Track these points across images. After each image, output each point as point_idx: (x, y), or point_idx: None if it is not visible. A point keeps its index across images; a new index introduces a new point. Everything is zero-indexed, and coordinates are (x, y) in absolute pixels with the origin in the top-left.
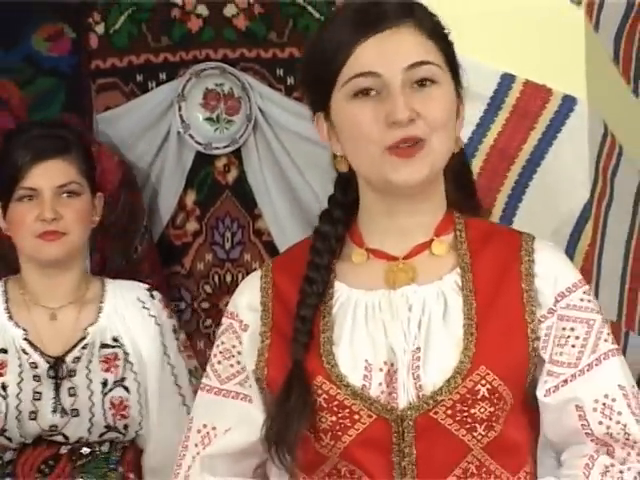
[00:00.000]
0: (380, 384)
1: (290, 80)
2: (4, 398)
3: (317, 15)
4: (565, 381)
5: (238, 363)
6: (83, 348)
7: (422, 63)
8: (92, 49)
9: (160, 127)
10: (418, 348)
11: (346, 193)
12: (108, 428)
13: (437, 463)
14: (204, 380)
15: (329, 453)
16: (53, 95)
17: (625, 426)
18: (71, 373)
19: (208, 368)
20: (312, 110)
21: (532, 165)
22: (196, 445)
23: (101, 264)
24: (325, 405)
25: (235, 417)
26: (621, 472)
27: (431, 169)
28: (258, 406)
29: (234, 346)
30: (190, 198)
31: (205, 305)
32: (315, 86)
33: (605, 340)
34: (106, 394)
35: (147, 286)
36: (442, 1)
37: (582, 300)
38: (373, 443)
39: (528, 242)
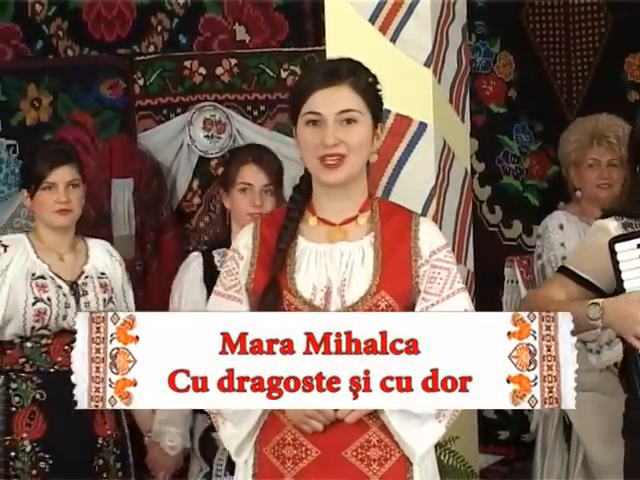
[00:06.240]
0: (321, 298)
1: (255, 112)
2: (49, 306)
3: (271, 74)
4: (433, 304)
5: (236, 279)
6: (86, 277)
7: (348, 110)
8: (136, 94)
9: (177, 141)
10: (345, 279)
11: (310, 177)
12: None
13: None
14: (215, 288)
15: None
16: (112, 122)
17: None
18: (85, 293)
19: (218, 281)
20: (292, 123)
21: (401, 164)
22: None
23: (141, 224)
24: (286, 308)
25: (232, 310)
26: None
27: (347, 175)
28: (245, 305)
29: (234, 268)
30: (195, 183)
31: (204, 248)
32: (291, 112)
33: (458, 282)
34: (105, 306)
35: (109, 243)
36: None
37: (446, 256)
38: None
39: (416, 218)
